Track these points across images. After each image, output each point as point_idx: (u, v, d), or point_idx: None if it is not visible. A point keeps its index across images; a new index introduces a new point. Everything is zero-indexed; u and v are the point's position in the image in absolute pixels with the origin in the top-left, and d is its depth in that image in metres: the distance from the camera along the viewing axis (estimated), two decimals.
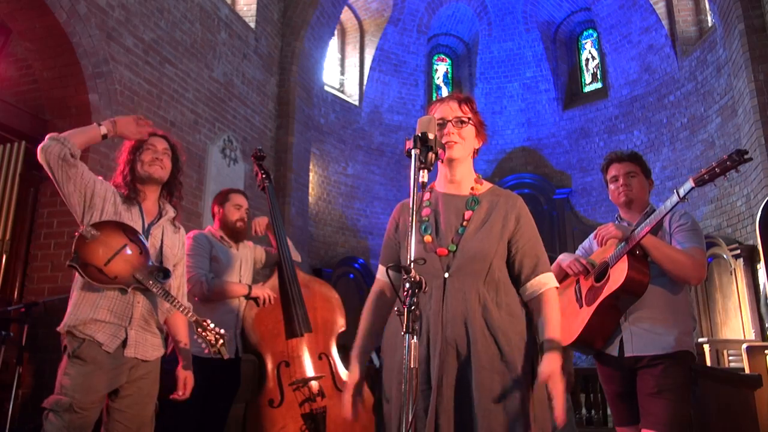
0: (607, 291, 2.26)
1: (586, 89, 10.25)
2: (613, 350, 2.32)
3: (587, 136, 9.68)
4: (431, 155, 1.47)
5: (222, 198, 3.25)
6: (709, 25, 8.05)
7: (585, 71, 10.37)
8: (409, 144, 1.50)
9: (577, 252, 2.71)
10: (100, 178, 2.28)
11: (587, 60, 10.37)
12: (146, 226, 2.29)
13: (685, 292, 2.36)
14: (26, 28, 4.24)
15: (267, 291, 3.03)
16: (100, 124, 2.22)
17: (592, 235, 2.67)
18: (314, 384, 2.90)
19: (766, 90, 5.68)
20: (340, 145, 9.21)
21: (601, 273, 2.38)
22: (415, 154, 1.47)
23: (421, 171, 1.46)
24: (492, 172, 10.08)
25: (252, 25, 6.83)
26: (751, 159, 2.06)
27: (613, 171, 2.54)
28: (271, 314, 3.01)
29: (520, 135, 10.25)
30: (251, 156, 3.36)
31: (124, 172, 2.31)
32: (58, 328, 2.12)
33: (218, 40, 6.12)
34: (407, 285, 1.32)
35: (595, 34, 10.15)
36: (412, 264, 1.36)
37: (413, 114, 10.05)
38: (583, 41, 10.47)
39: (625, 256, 2.25)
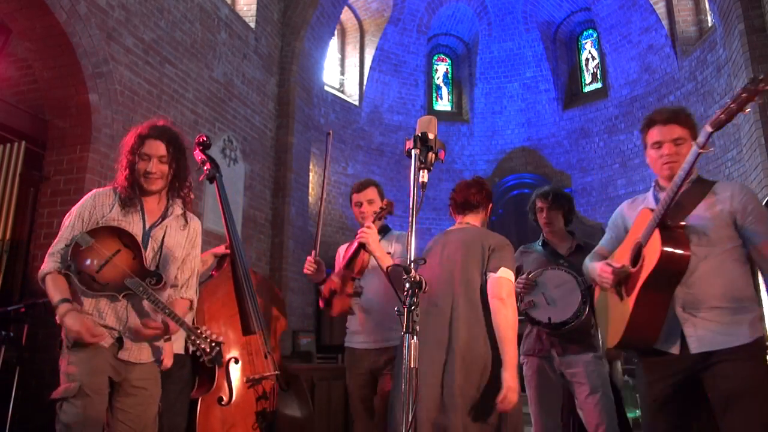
0: (644, 274, 1.93)
1: (586, 89, 10.25)
2: (674, 348, 1.95)
3: (587, 136, 9.68)
4: (431, 155, 1.48)
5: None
6: (709, 25, 8.05)
7: (585, 71, 10.36)
8: (410, 144, 1.51)
9: (607, 235, 2.39)
10: (92, 196, 2.22)
11: (587, 60, 10.36)
12: (147, 228, 2.23)
13: (747, 269, 2.01)
14: (26, 28, 4.24)
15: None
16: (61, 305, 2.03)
17: (623, 207, 2.33)
18: (266, 383, 2.83)
19: (766, 90, 5.67)
20: (340, 145, 9.20)
21: (636, 256, 2.03)
22: (415, 154, 1.47)
23: (421, 171, 1.46)
24: (492, 172, 10.08)
25: (252, 25, 6.83)
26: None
27: (655, 135, 2.10)
28: (223, 309, 2.91)
29: (520, 135, 10.24)
30: (195, 143, 3.02)
31: (125, 174, 2.22)
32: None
33: (218, 40, 6.12)
34: (407, 285, 1.32)
35: (595, 34, 10.15)
36: (412, 264, 1.36)
37: (413, 114, 10.05)
38: (583, 41, 10.47)
39: (656, 230, 1.92)
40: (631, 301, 1.97)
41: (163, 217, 2.29)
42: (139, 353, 2.17)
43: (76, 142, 4.36)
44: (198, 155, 3.01)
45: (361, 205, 3.03)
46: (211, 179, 2.96)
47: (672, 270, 1.89)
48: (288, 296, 6.72)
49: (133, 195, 2.21)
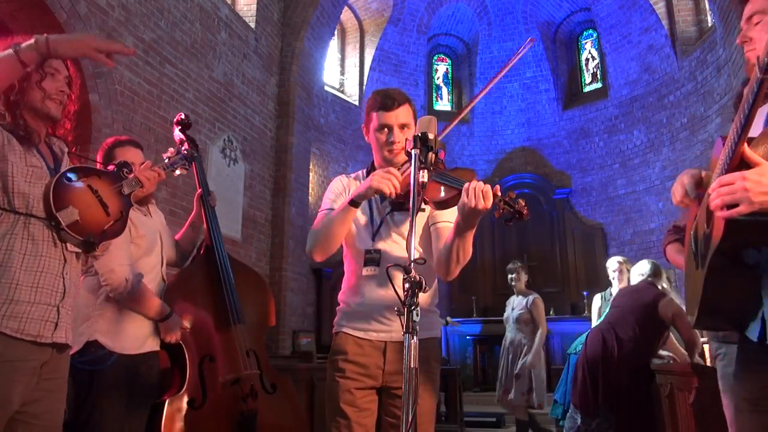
0: (715, 239, 1.27)
1: (586, 89, 10.25)
2: (751, 332, 1.33)
3: (587, 136, 9.68)
4: (431, 155, 1.47)
5: (107, 156, 2.41)
6: (709, 25, 8.05)
7: (585, 71, 10.37)
8: (409, 144, 1.50)
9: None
10: None
11: (587, 60, 10.36)
12: (52, 168, 1.73)
13: None
14: (26, 28, 4.24)
15: (177, 335, 2.43)
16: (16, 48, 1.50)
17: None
18: (246, 383, 2.51)
19: None
20: (340, 145, 9.20)
21: (710, 212, 1.31)
22: (415, 154, 1.47)
23: (421, 171, 1.45)
24: (492, 172, 10.08)
25: (252, 25, 6.83)
26: None
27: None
28: (197, 300, 2.61)
29: (520, 135, 10.25)
30: (173, 122, 2.72)
31: (13, 99, 1.64)
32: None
33: (218, 40, 6.12)
34: (407, 285, 1.32)
35: (595, 34, 10.15)
36: (412, 264, 1.35)
37: None
38: (583, 41, 10.47)
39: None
40: (703, 273, 1.34)
41: (54, 155, 1.79)
42: (67, 330, 1.67)
43: (77, 143, 4.35)
44: (177, 135, 2.72)
45: (388, 130, 1.91)
46: (189, 161, 2.58)
47: (746, 240, 1.23)
48: (288, 296, 6.72)
49: (26, 131, 1.66)
